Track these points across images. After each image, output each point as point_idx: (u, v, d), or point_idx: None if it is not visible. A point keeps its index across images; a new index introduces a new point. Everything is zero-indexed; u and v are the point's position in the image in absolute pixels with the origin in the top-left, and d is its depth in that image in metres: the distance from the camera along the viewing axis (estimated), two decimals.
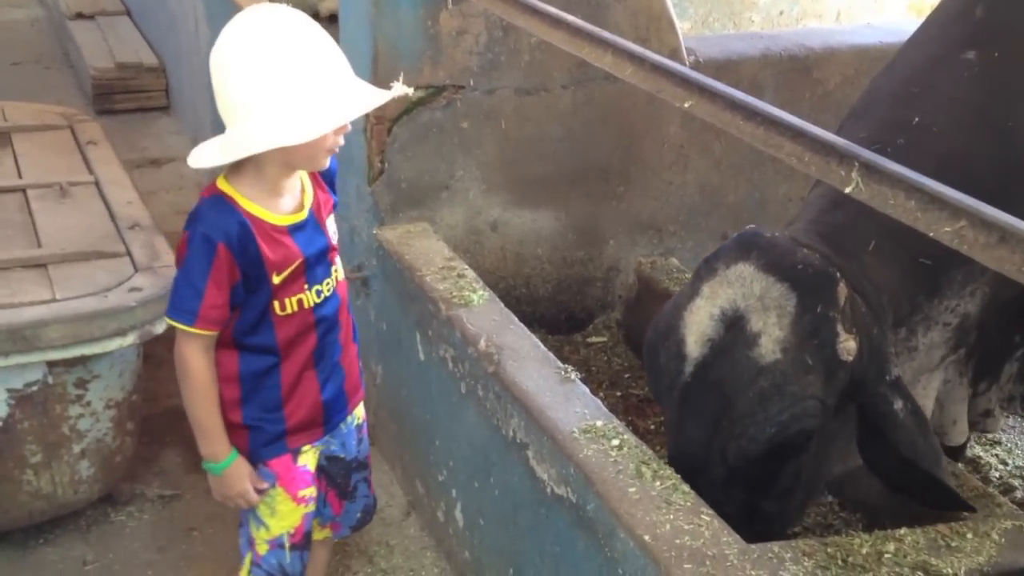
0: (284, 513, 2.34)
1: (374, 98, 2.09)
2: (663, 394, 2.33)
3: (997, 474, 3.43)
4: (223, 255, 2.06)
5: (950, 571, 2.01)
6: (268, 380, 2.23)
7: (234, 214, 2.09)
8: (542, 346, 2.61)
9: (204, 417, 2.20)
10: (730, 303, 2.21)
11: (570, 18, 2.12)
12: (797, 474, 2.26)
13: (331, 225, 2.30)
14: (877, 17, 5.98)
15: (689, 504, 2.07)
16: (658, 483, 2.13)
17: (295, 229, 2.17)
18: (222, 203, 2.10)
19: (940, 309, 2.53)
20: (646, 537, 1.98)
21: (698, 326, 2.24)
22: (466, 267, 2.97)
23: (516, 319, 2.72)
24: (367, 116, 3.16)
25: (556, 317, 3.64)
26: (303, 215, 2.19)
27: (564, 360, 2.58)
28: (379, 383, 3.39)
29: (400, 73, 3.11)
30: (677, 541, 1.97)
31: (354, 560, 3.03)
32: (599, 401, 2.41)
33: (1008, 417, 3.73)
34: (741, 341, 2.18)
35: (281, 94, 1.97)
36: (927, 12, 2.97)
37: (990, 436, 3.63)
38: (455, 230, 3.35)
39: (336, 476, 2.48)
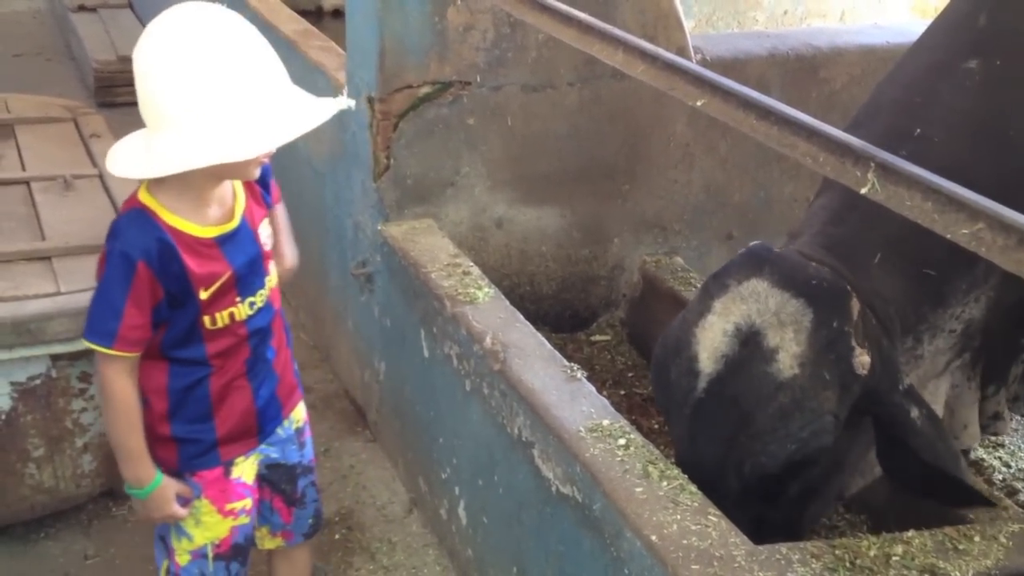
0: (209, 524, 2.26)
1: (318, 115, 1.97)
2: (673, 410, 2.32)
3: (1000, 477, 3.43)
4: (143, 274, 1.96)
5: (958, 574, 2.00)
6: (197, 392, 2.14)
7: (155, 230, 1.98)
8: (548, 344, 2.60)
9: (126, 441, 2.10)
10: (745, 319, 2.20)
11: (580, 15, 2.11)
12: (808, 487, 2.26)
13: (264, 230, 2.19)
14: (880, 17, 5.97)
15: (696, 504, 2.07)
16: (665, 483, 2.12)
17: (223, 241, 2.07)
18: (142, 217, 2.00)
19: (945, 318, 2.53)
20: (653, 537, 1.97)
21: (711, 342, 2.22)
22: (471, 264, 2.96)
23: (521, 317, 2.71)
24: (373, 111, 3.15)
25: (560, 315, 3.64)
26: (233, 224, 2.10)
27: (568, 358, 2.57)
28: (382, 379, 3.38)
29: (408, 70, 3.12)
30: (684, 542, 1.96)
31: (356, 557, 3.02)
32: (605, 400, 2.40)
33: (1012, 419, 3.73)
34: (758, 357, 2.16)
35: (219, 108, 1.85)
36: (930, 12, 2.96)
37: (994, 439, 3.63)
38: (460, 227, 3.34)
39: (280, 483, 2.40)
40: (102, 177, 3.50)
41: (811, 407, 2.15)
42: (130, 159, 1.96)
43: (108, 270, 1.99)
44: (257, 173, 2.06)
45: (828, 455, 2.23)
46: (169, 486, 2.17)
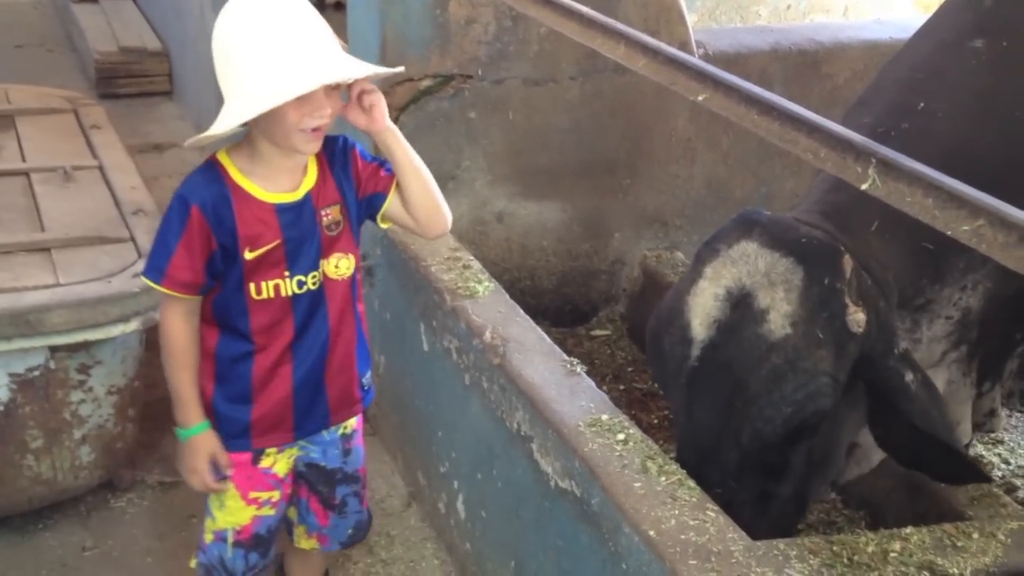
0: (231, 509, 2.28)
1: (353, 68, 2.01)
2: (669, 381, 2.30)
3: (999, 473, 3.43)
4: (196, 219, 2.03)
5: (956, 571, 1.99)
6: (240, 368, 2.18)
7: (218, 183, 2.06)
8: (548, 339, 2.59)
9: (174, 381, 2.18)
10: (735, 281, 2.18)
11: (583, 8, 2.10)
12: (809, 455, 2.24)
13: (329, 216, 2.16)
14: (884, 12, 5.96)
15: (695, 500, 2.06)
16: (664, 478, 2.12)
17: (283, 210, 2.10)
18: (211, 170, 2.08)
19: (942, 297, 2.52)
20: (651, 532, 1.97)
21: (703, 307, 2.20)
22: (471, 258, 2.95)
23: (521, 311, 2.71)
24: None
25: (560, 310, 3.64)
26: (296, 196, 2.11)
27: (567, 353, 2.57)
28: (382, 373, 3.38)
29: (409, 63, 3.12)
30: (682, 537, 1.96)
31: (354, 550, 3.02)
32: (605, 395, 2.39)
33: (1011, 416, 3.73)
34: (749, 319, 2.14)
35: (239, 72, 1.96)
36: (932, 7, 2.97)
37: (992, 436, 3.62)
38: (460, 221, 3.33)
39: (317, 483, 2.40)
40: (102, 169, 3.49)
41: (805, 367, 2.12)
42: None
43: (168, 212, 2.07)
44: (306, 147, 2.06)
45: (827, 421, 2.19)
46: (208, 440, 2.21)
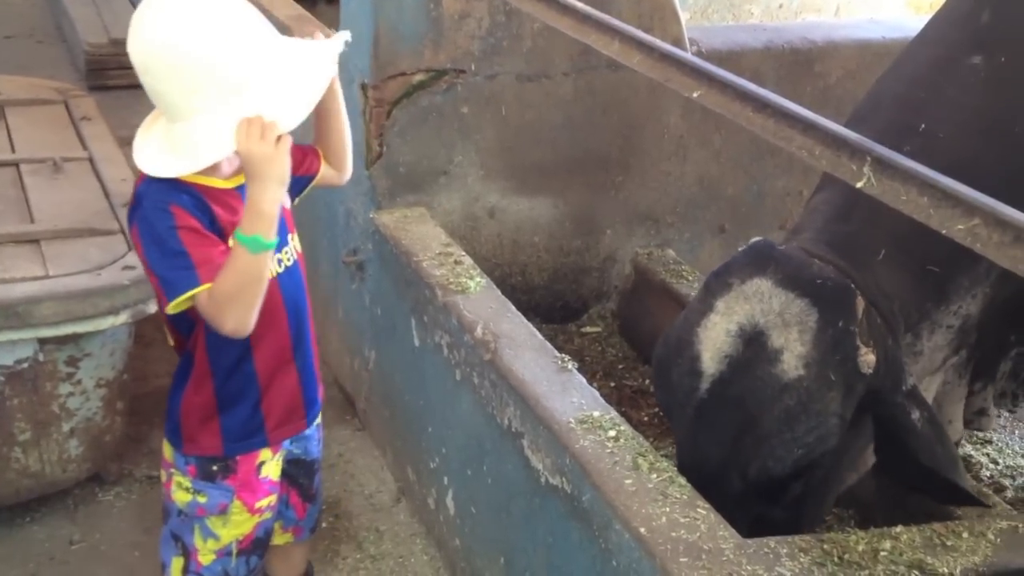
0: (237, 523, 2.25)
1: (326, 61, 1.98)
2: (675, 410, 2.31)
3: (988, 473, 3.44)
4: (180, 214, 1.89)
5: (946, 570, 1.99)
6: (244, 367, 2.10)
7: (179, 186, 1.92)
8: (539, 335, 2.59)
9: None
10: (748, 319, 2.18)
11: (578, 4, 2.09)
12: (809, 486, 2.25)
13: None
14: (875, 12, 5.97)
15: (685, 497, 2.06)
16: (655, 475, 2.12)
17: (244, 192, 1.98)
18: (162, 180, 1.92)
19: (946, 314, 2.53)
20: (642, 529, 1.97)
21: (714, 342, 2.21)
22: (463, 253, 2.95)
23: (513, 307, 2.71)
24: (366, 98, 3.14)
25: (551, 306, 3.63)
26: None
27: (558, 350, 2.56)
28: (372, 368, 3.37)
29: (402, 57, 3.11)
30: (673, 534, 1.96)
31: (343, 545, 3.02)
32: (596, 391, 2.39)
33: (999, 416, 3.74)
34: (762, 357, 2.15)
35: (231, 83, 1.85)
36: (924, 8, 2.95)
37: (981, 435, 3.64)
38: (452, 216, 3.33)
39: (298, 477, 2.39)
40: (92, 160, 3.47)
41: (816, 409, 2.13)
42: (158, 154, 1.92)
43: (145, 232, 1.90)
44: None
45: (832, 456, 2.21)
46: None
